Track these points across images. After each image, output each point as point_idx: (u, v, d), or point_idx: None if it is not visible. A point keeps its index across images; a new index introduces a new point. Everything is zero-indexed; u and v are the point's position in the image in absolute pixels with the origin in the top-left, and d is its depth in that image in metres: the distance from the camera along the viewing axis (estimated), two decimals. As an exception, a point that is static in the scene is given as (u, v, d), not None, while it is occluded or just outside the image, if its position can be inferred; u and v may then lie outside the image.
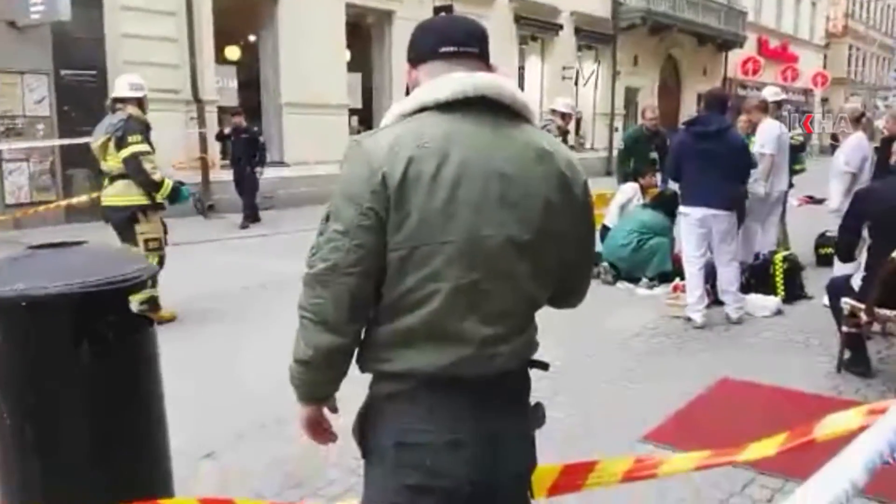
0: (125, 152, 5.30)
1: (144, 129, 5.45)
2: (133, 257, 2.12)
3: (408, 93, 1.48)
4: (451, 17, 1.65)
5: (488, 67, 1.46)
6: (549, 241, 1.41)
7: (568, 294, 1.59)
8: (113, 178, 5.44)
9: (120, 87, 5.63)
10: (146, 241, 5.41)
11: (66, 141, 10.15)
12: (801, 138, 7.67)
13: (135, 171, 5.31)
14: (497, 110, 1.40)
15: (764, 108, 6.89)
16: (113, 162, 5.41)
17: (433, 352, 1.35)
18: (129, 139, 5.29)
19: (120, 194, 5.41)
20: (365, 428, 1.47)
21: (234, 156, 11.33)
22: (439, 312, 1.34)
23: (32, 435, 1.96)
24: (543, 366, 1.55)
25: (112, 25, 11.08)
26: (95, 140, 5.50)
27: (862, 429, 1.96)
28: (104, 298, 1.97)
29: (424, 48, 1.47)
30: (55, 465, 1.98)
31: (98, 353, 1.98)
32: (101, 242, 2.26)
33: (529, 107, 1.46)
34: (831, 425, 1.62)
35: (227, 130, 11.36)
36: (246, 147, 11.11)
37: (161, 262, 5.28)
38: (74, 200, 10.30)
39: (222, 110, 13.04)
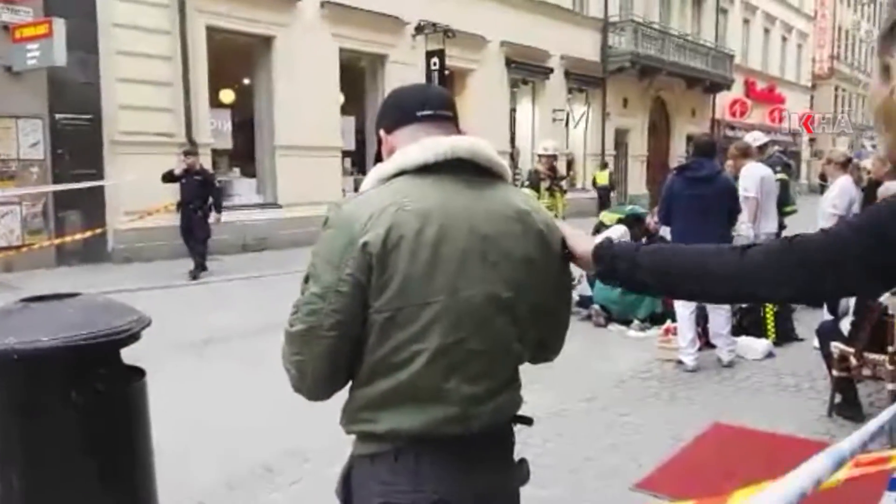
0: None
1: (538, 179, 7.84)
2: (124, 309, 2.13)
3: (379, 159, 1.51)
4: (424, 85, 1.71)
5: (459, 131, 1.52)
6: (530, 297, 1.43)
7: (545, 349, 1.59)
8: None
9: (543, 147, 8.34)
10: None
11: (58, 187, 10.23)
12: (784, 176, 7.79)
13: None
14: (474, 171, 1.43)
15: (745, 153, 6.99)
16: None
17: (417, 413, 1.35)
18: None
19: None
20: (349, 489, 1.46)
21: (183, 199, 10.23)
22: (422, 373, 1.34)
23: (20, 486, 1.96)
24: (527, 421, 1.55)
25: (107, 70, 11.21)
26: None
27: (849, 480, 1.98)
28: (96, 352, 1.98)
29: (401, 114, 1.51)
30: (42, 518, 1.97)
31: (89, 405, 1.99)
32: (92, 289, 2.27)
33: (505, 167, 1.50)
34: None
35: (177, 171, 10.21)
36: (198, 190, 10.13)
37: None
38: (68, 239, 10.35)
39: (217, 153, 13.18)
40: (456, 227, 1.35)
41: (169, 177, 10.22)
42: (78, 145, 10.99)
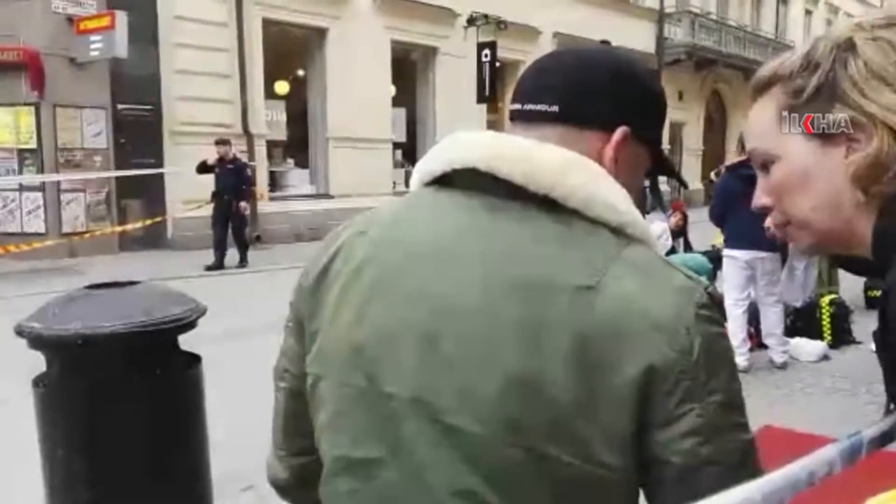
0: None
1: None
2: (182, 298, 2.21)
3: None
4: (542, 57, 0.95)
5: (577, 132, 0.86)
6: (527, 444, 0.74)
7: None
8: None
9: None
10: None
11: (122, 173, 10.57)
12: None
13: None
14: (506, 191, 0.81)
15: None
16: None
17: None
18: None
19: None
20: None
21: (218, 189, 10.01)
22: (331, 491, 0.88)
23: (80, 466, 2.04)
24: None
25: (167, 62, 11.51)
26: None
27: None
28: (154, 338, 2.06)
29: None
30: (101, 497, 2.06)
31: (147, 389, 2.08)
32: (153, 276, 2.35)
33: (575, 185, 0.79)
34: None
35: (210, 161, 10.02)
36: (233, 179, 9.97)
37: None
38: (129, 227, 10.70)
39: (271, 144, 13.40)
40: (403, 277, 0.83)
41: (203, 167, 10.06)
42: (139, 135, 11.34)
